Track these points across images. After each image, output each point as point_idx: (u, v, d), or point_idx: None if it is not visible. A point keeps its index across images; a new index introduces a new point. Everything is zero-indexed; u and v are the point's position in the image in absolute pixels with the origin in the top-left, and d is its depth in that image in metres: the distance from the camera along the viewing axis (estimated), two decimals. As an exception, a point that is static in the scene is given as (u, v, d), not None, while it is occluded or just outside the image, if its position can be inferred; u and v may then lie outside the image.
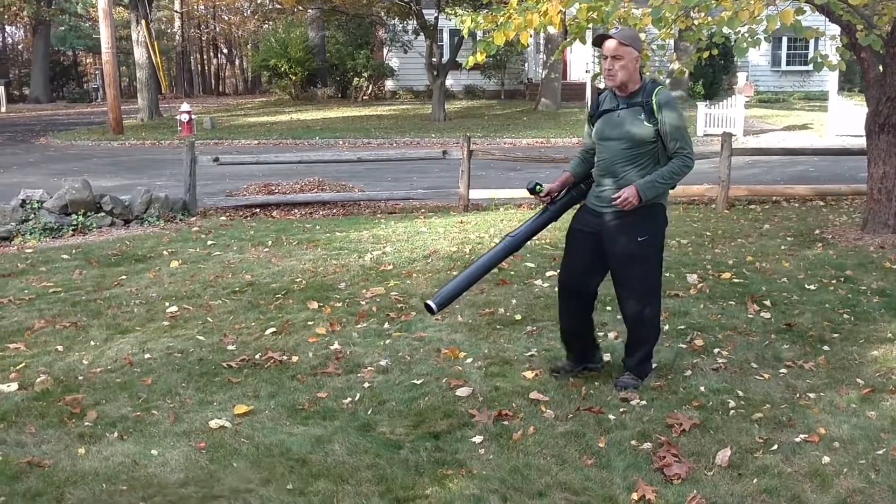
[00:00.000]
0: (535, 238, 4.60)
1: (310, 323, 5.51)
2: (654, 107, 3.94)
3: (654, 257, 4.13)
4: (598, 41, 3.99)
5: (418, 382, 4.40)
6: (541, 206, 4.29)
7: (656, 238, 4.11)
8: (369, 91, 32.59)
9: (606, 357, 4.60)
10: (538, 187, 4.16)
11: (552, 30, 11.43)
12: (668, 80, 28.22)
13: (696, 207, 10.41)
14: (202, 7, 47.45)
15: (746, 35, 7.24)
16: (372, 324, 5.48)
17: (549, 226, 4.32)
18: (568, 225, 4.31)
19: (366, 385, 4.38)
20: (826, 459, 3.44)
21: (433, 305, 3.88)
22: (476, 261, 4.15)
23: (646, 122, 3.95)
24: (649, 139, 3.96)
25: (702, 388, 4.22)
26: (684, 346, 4.89)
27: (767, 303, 5.73)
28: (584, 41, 8.08)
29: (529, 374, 4.44)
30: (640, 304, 4.15)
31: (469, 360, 4.72)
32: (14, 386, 4.44)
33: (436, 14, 24.01)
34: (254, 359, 4.81)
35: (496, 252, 4.13)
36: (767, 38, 7.60)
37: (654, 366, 4.39)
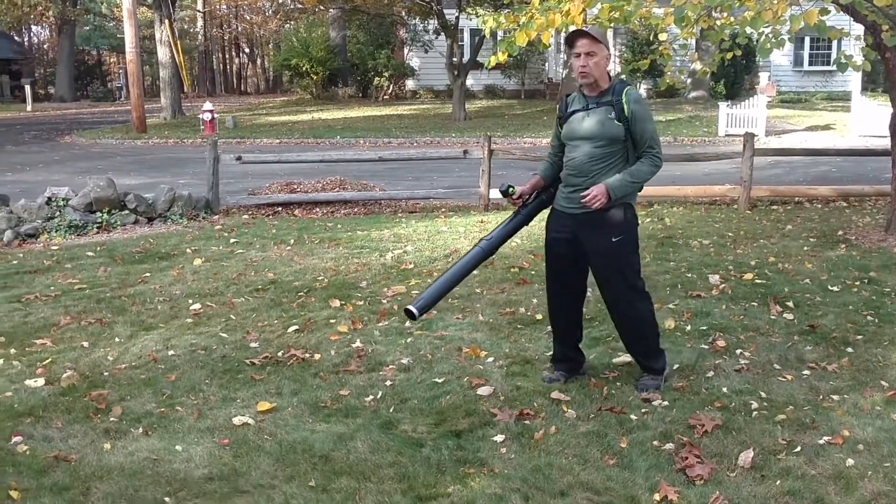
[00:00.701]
0: None
1: (332, 321, 5.54)
2: (624, 106, 3.94)
3: (631, 256, 4.13)
4: (571, 39, 3.98)
5: (440, 381, 4.42)
6: (512, 210, 4.27)
7: (630, 236, 4.11)
8: (390, 90, 32.66)
9: (627, 358, 4.58)
10: (511, 189, 4.16)
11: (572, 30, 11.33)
12: (689, 80, 28.18)
13: (718, 208, 10.35)
14: (224, 7, 47.75)
15: (770, 36, 7.20)
16: (393, 322, 5.50)
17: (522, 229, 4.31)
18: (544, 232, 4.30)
19: (387, 383, 4.41)
20: (850, 462, 3.42)
21: (414, 311, 3.85)
22: (452, 266, 4.13)
23: (616, 122, 3.94)
24: (620, 138, 3.97)
25: (724, 389, 4.20)
26: (706, 346, 4.88)
27: (790, 304, 5.69)
28: (605, 40, 8.06)
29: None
30: (627, 303, 4.14)
31: (490, 360, 4.73)
32: (41, 381, 4.50)
33: (457, 14, 24.01)
34: (276, 356, 4.85)
35: (472, 257, 4.12)
36: (791, 39, 7.55)
37: (667, 359, 4.34)
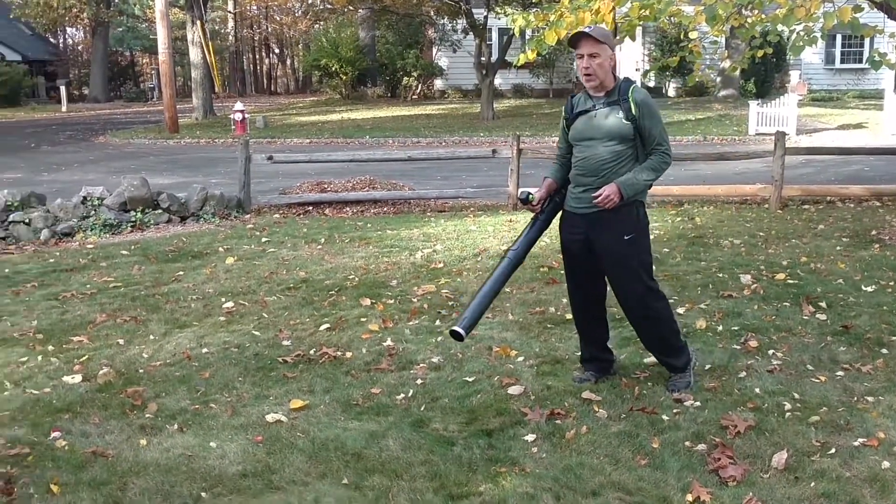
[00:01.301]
0: None
1: (363, 319, 5.58)
2: (631, 104, 3.93)
3: (643, 254, 4.11)
4: (574, 41, 3.98)
5: (470, 380, 4.44)
6: (531, 216, 4.26)
7: (642, 235, 4.10)
8: (418, 90, 32.72)
9: (648, 359, 4.57)
10: (530, 196, 4.15)
11: (603, 28, 11.27)
12: (719, 79, 27.94)
13: (749, 207, 10.26)
14: (255, 7, 48.09)
15: (802, 33, 7.13)
16: (424, 321, 5.53)
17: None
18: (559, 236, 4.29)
19: (418, 382, 4.43)
20: (886, 464, 3.39)
21: (461, 331, 3.82)
22: (486, 282, 4.11)
23: (624, 120, 3.94)
24: (629, 137, 3.96)
25: (757, 390, 4.18)
26: (738, 347, 4.85)
27: (823, 304, 5.64)
28: (633, 38, 8.04)
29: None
30: (642, 302, 4.12)
31: (520, 359, 4.74)
32: (78, 378, 4.58)
33: (485, 13, 24.00)
34: (308, 354, 4.89)
35: (504, 269, 4.11)
36: (823, 36, 7.47)
37: (691, 353, 4.31)
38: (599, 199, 3.91)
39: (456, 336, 3.83)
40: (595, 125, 4.01)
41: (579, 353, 4.51)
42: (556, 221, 4.29)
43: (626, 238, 4.02)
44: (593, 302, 4.32)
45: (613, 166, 3.98)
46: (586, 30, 3.99)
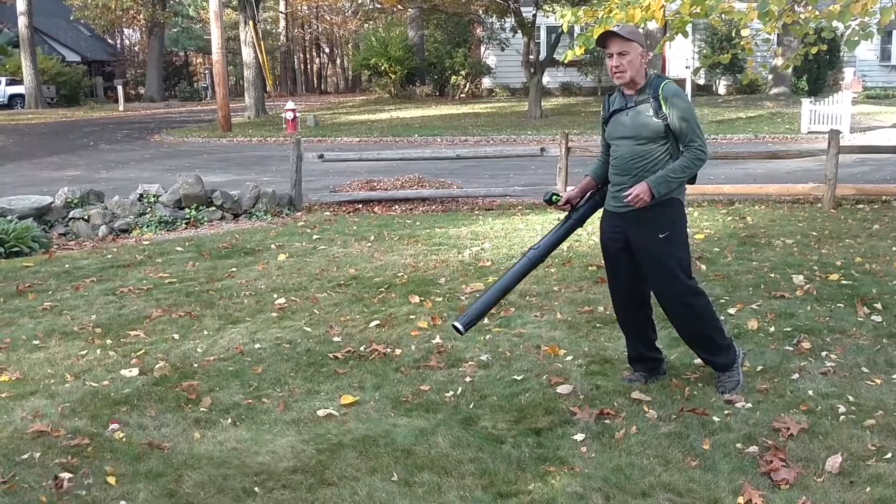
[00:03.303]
0: None
1: (412, 317, 5.62)
2: (662, 101, 3.89)
3: (679, 252, 4.06)
4: (602, 40, 3.95)
5: (519, 378, 4.44)
6: (563, 215, 4.24)
7: (678, 232, 4.05)
8: (466, 89, 32.76)
9: (698, 360, 4.52)
10: (555, 197, 4.12)
11: (652, 25, 11.23)
12: (770, 77, 27.44)
13: (802, 207, 10.08)
14: (306, 7, 48.55)
15: (858, 28, 6.98)
16: (472, 319, 5.54)
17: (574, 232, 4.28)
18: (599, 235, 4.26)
19: (467, 379, 4.45)
20: (944, 470, 3.31)
21: (460, 326, 3.85)
22: (499, 279, 4.10)
23: (655, 118, 3.90)
24: (661, 134, 3.91)
25: (810, 392, 4.11)
26: (791, 348, 4.77)
27: (878, 306, 5.52)
28: (685, 35, 7.94)
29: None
30: (680, 300, 4.07)
31: (569, 358, 4.74)
32: (135, 371, 4.70)
33: (534, 11, 23.92)
34: (359, 351, 4.95)
35: (520, 267, 4.10)
36: (879, 31, 7.31)
37: (738, 351, 4.24)
38: (630, 198, 3.88)
39: (456, 330, 3.88)
40: (627, 123, 3.99)
41: (627, 354, 4.49)
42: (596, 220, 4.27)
43: (661, 236, 3.99)
44: (636, 302, 4.28)
45: (646, 164, 3.95)
46: (614, 28, 3.98)
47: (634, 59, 3.91)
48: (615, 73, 3.95)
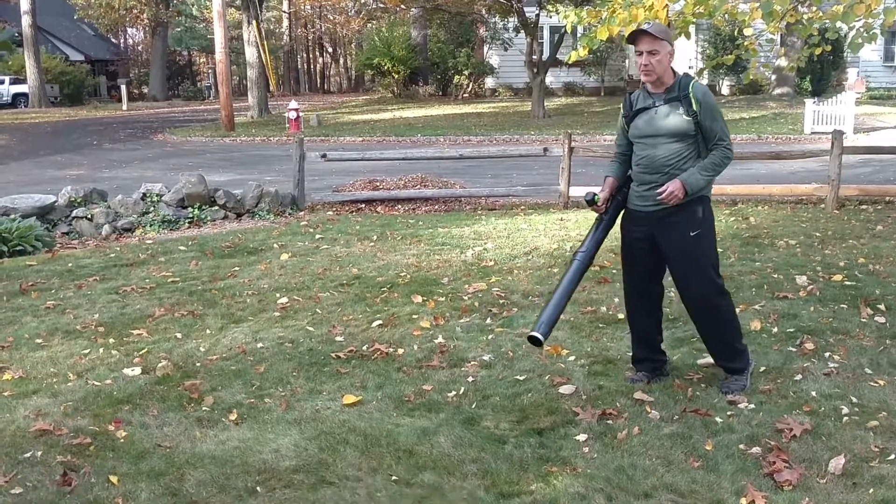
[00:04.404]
0: None
1: (414, 316, 5.62)
2: (692, 100, 3.90)
3: (708, 250, 4.07)
4: (632, 38, 3.95)
5: (521, 378, 4.44)
6: (596, 217, 4.23)
7: (707, 230, 4.06)
8: (469, 89, 32.77)
9: (711, 360, 4.53)
10: (596, 198, 4.11)
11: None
12: (773, 77, 27.39)
13: (805, 207, 10.07)
14: (309, 7, 48.61)
15: (861, 30, 6.96)
16: (475, 319, 5.55)
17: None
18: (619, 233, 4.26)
19: (469, 379, 4.45)
20: (947, 471, 3.31)
21: (539, 336, 3.82)
22: (558, 286, 4.09)
23: (685, 116, 3.91)
24: (690, 133, 3.93)
25: (813, 393, 4.10)
26: (794, 349, 4.77)
27: (882, 307, 5.50)
28: (688, 36, 7.93)
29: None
30: (707, 299, 4.08)
31: (572, 358, 4.73)
32: (138, 370, 4.70)
33: (537, 11, 23.92)
34: (361, 350, 4.95)
35: (575, 272, 4.09)
36: (883, 32, 7.29)
37: (750, 358, 4.27)
38: (664, 195, 3.89)
39: (534, 342, 3.82)
40: (656, 123, 3.99)
41: (631, 354, 4.49)
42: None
43: (692, 234, 3.99)
44: (650, 302, 4.29)
45: (676, 163, 3.96)
46: (645, 26, 3.98)
47: (664, 58, 3.92)
48: (644, 71, 3.96)
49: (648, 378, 4.32)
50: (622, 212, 4.23)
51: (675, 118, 3.94)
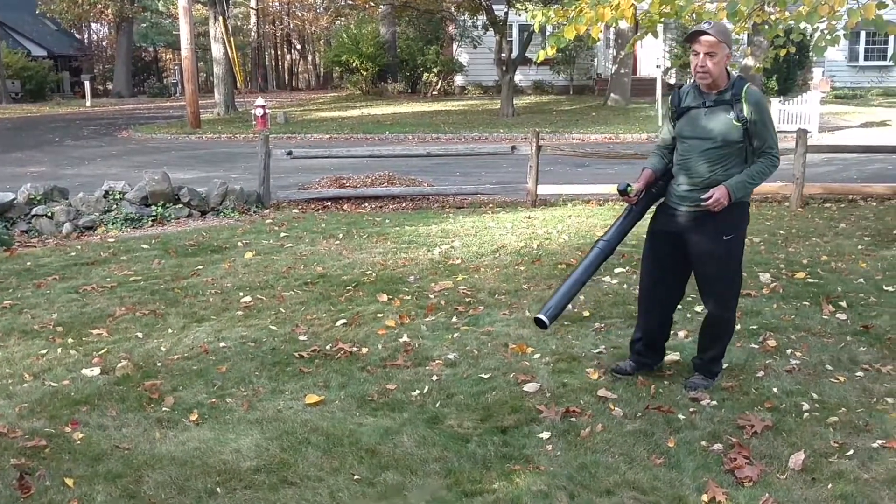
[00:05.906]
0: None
1: (379, 315, 5.58)
2: (745, 104, 3.83)
3: (738, 256, 4.09)
4: (692, 37, 3.86)
5: (486, 377, 4.43)
6: (625, 206, 4.21)
7: (740, 234, 4.07)
8: (438, 86, 32.75)
9: (675, 357, 4.55)
10: (629, 188, 4.07)
11: (623, 24, 11.27)
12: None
13: (769, 205, 10.18)
14: (277, 4, 48.27)
15: (825, 33, 7.04)
16: (440, 317, 5.53)
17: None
18: (647, 225, 4.26)
19: (434, 378, 4.43)
20: (905, 466, 3.35)
21: (545, 319, 3.79)
22: (574, 270, 4.08)
23: (735, 121, 3.85)
24: (738, 138, 3.87)
25: (774, 390, 4.14)
26: (756, 346, 4.81)
27: (843, 304, 5.58)
28: (655, 35, 7.97)
29: (597, 372, 4.42)
30: (723, 303, 4.11)
31: (536, 356, 4.73)
32: (97, 370, 4.62)
33: (505, 9, 23.94)
34: (325, 349, 4.90)
35: (593, 258, 4.07)
36: (847, 35, 7.38)
37: (724, 366, 4.33)
38: (710, 202, 3.83)
39: (539, 324, 3.81)
40: (704, 124, 3.92)
41: (631, 338, 4.45)
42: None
43: (725, 238, 3.98)
44: (669, 299, 4.28)
45: (721, 167, 3.91)
46: (704, 26, 3.86)
47: (721, 61, 3.83)
48: (699, 72, 3.85)
49: (635, 369, 4.34)
50: (657, 205, 4.19)
51: (723, 122, 3.86)
